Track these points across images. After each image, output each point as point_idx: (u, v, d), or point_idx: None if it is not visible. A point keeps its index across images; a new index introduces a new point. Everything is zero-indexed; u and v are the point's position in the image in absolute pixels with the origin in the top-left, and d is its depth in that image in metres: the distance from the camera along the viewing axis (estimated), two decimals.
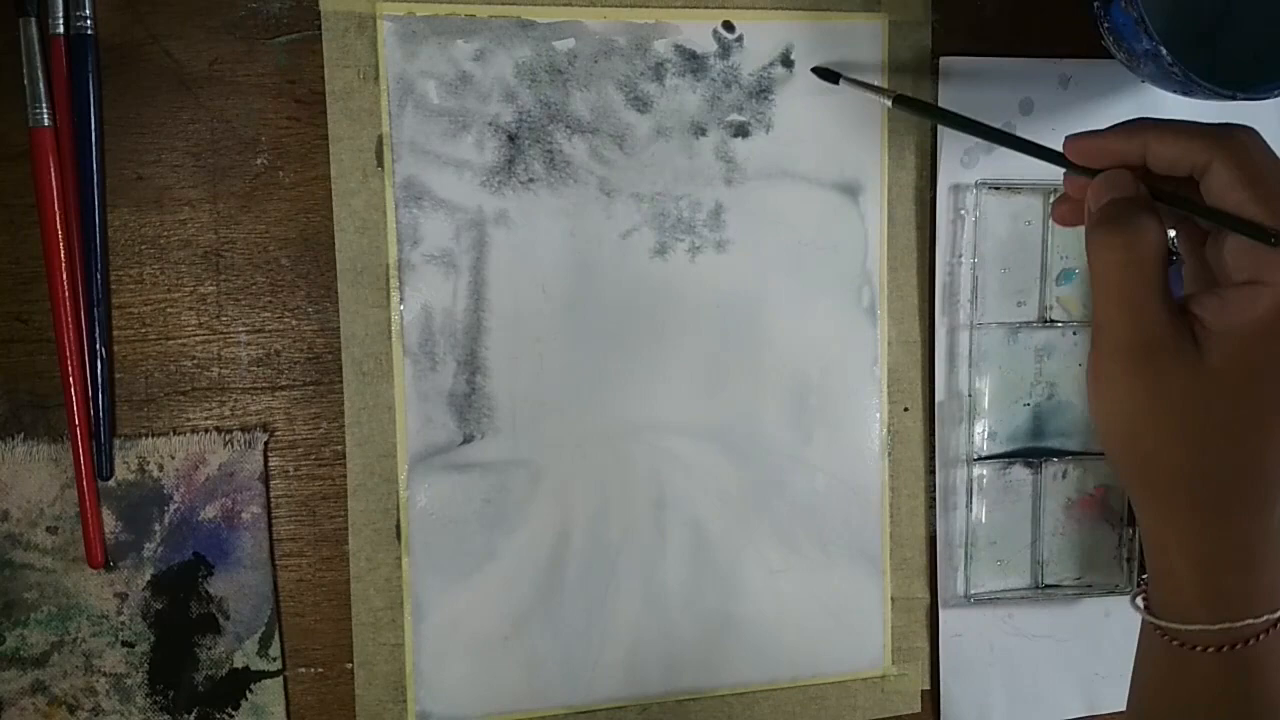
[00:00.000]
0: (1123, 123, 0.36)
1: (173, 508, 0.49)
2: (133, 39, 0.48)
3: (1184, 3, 0.55)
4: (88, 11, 0.46)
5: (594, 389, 0.53)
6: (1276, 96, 0.49)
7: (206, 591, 0.50)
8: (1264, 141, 0.34)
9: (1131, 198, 0.34)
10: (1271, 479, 0.32)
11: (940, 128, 0.56)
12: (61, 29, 0.46)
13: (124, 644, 0.49)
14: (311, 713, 0.52)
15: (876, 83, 0.54)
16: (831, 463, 0.56)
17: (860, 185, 0.56)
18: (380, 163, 0.50)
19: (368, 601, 0.51)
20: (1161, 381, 0.32)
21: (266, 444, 0.50)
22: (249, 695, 0.51)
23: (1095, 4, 0.51)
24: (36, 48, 0.46)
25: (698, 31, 0.53)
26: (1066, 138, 0.37)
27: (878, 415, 0.57)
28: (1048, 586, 0.59)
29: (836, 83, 0.53)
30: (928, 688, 0.58)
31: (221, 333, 0.50)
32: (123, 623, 0.49)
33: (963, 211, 0.57)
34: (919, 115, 0.53)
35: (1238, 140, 0.33)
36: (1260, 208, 0.31)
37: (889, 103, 0.51)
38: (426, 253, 0.51)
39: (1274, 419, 0.32)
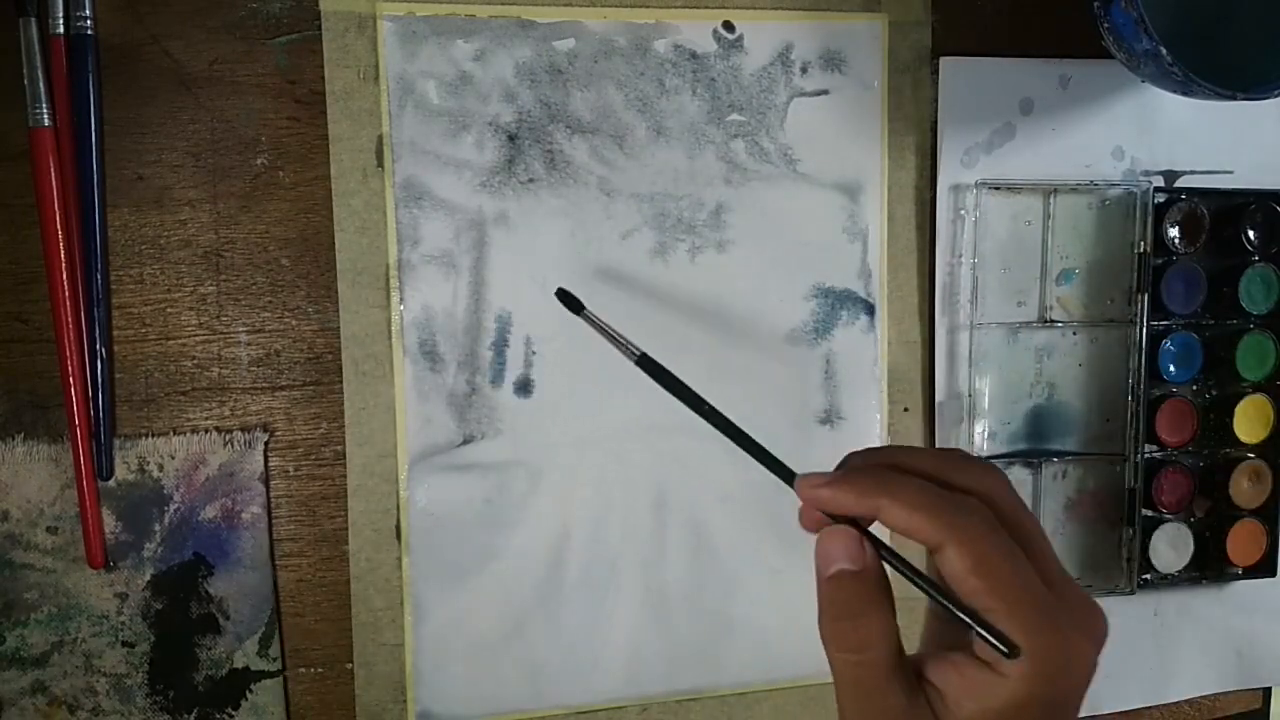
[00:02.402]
0: (856, 471, 0.34)
1: (173, 508, 0.49)
2: (133, 39, 0.48)
3: (1184, 3, 0.55)
4: (88, 11, 0.46)
5: (594, 389, 0.53)
6: (1276, 96, 0.49)
7: (206, 591, 0.50)
8: (1006, 508, 0.32)
9: (858, 574, 0.32)
10: None
11: (940, 127, 0.56)
12: (61, 29, 0.46)
13: (124, 644, 0.49)
14: (311, 713, 0.52)
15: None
16: (832, 463, 0.56)
17: (860, 185, 0.56)
18: (380, 163, 0.50)
19: (368, 601, 0.51)
20: None
21: (266, 444, 0.50)
22: (249, 695, 0.51)
23: (1095, 4, 0.51)
24: (36, 48, 0.46)
25: (698, 31, 0.53)
26: (801, 478, 0.35)
27: (878, 415, 0.57)
28: None
29: (579, 314, 0.47)
30: None
31: (221, 333, 0.50)
32: (123, 623, 0.49)
33: (963, 211, 0.57)
34: (657, 380, 0.44)
35: (968, 521, 0.31)
36: (993, 600, 0.30)
37: (633, 360, 0.44)
38: (426, 253, 0.51)
39: None
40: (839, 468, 0.36)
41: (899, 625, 0.33)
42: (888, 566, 0.33)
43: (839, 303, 0.56)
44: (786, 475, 0.36)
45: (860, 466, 0.34)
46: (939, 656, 0.33)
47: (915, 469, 0.33)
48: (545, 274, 0.52)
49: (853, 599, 0.32)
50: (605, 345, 0.53)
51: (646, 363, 0.43)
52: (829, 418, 0.56)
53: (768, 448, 0.37)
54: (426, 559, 0.52)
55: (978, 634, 0.31)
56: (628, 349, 0.44)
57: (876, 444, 0.57)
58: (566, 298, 0.47)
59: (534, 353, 0.53)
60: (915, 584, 0.32)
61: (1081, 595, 0.32)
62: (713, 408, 0.40)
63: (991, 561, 0.30)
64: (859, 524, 0.34)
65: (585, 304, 0.47)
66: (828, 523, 0.34)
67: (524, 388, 0.53)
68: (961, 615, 0.31)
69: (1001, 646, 0.30)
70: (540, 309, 0.52)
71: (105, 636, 0.49)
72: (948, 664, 0.32)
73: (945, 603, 0.32)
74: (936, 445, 0.57)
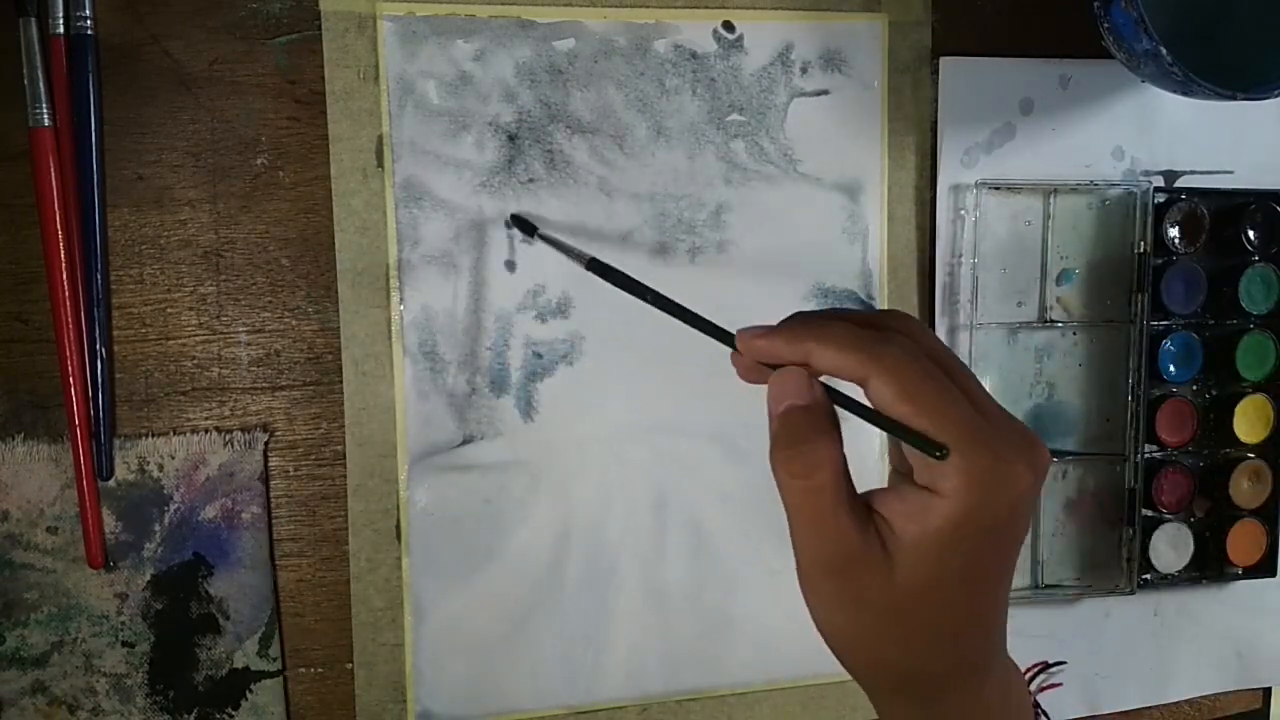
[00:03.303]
0: (788, 321, 0.36)
1: (173, 508, 0.49)
2: (133, 39, 0.48)
3: (1184, 3, 0.55)
4: (88, 11, 0.46)
5: (594, 389, 0.53)
6: (1276, 96, 0.49)
7: (206, 591, 0.50)
8: (923, 341, 0.34)
9: (806, 407, 0.35)
10: (974, 664, 0.35)
11: (940, 127, 0.56)
12: (61, 29, 0.46)
13: (124, 644, 0.49)
14: (311, 713, 0.52)
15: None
16: None
17: (860, 185, 0.56)
18: (380, 163, 0.50)
19: (368, 601, 0.51)
20: (860, 593, 0.33)
21: (266, 444, 0.50)
22: (249, 695, 0.51)
23: (1095, 4, 0.51)
24: (36, 48, 0.46)
25: (698, 31, 0.53)
26: (739, 331, 0.37)
27: None
28: (1048, 586, 0.59)
29: (532, 236, 0.51)
30: None
31: (221, 333, 0.50)
32: (123, 623, 0.49)
33: (963, 211, 0.57)
34: (609, 281, 0.46)
35: (891, 354, 0.33)
36: (921, 422, 0.32)
37: (582, 266, 0.47)
38: (426, 253, 0.51)
39: (964, 622, 0.34)
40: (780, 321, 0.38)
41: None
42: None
43: (839, 303, 0.56)
44: (726, 337, 0.38)
45: (792, 317, 0.36)
46: (884, 489, 0.35)
47: (842, 319, 0.35)
48: (545, 274, 0.52)
49: (802, 428, 0.34)
50: (605, 346, 0.53)
51: (596, 265, 0.46)
52: None
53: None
54: (426, 559, 0.52)
55: (907, 442, 0.32)
56: (579, 256, 0.47)
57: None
58: (520, 223, 0.50)
59: (534, 353, 0.53)
60: (854, 412, 0.34)
61: (1019, 426, 0.33)
62: (656, 293, 0.42)
63: (916, 386, 0.32)
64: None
65: (538, 228, 0.50)
66: (764, 373, 0.36)
67: (524, 388, 0.53)
68: (892, 429, 0.32)
69: (929, 449, 0.31)
70: (540, 309, 0.52)
71: (105, 636, 0.49)
72: (891, 493, 0.34)
73: (878, 421, 0.33)
74: None
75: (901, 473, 0.35)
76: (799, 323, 0.35)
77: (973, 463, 0.31)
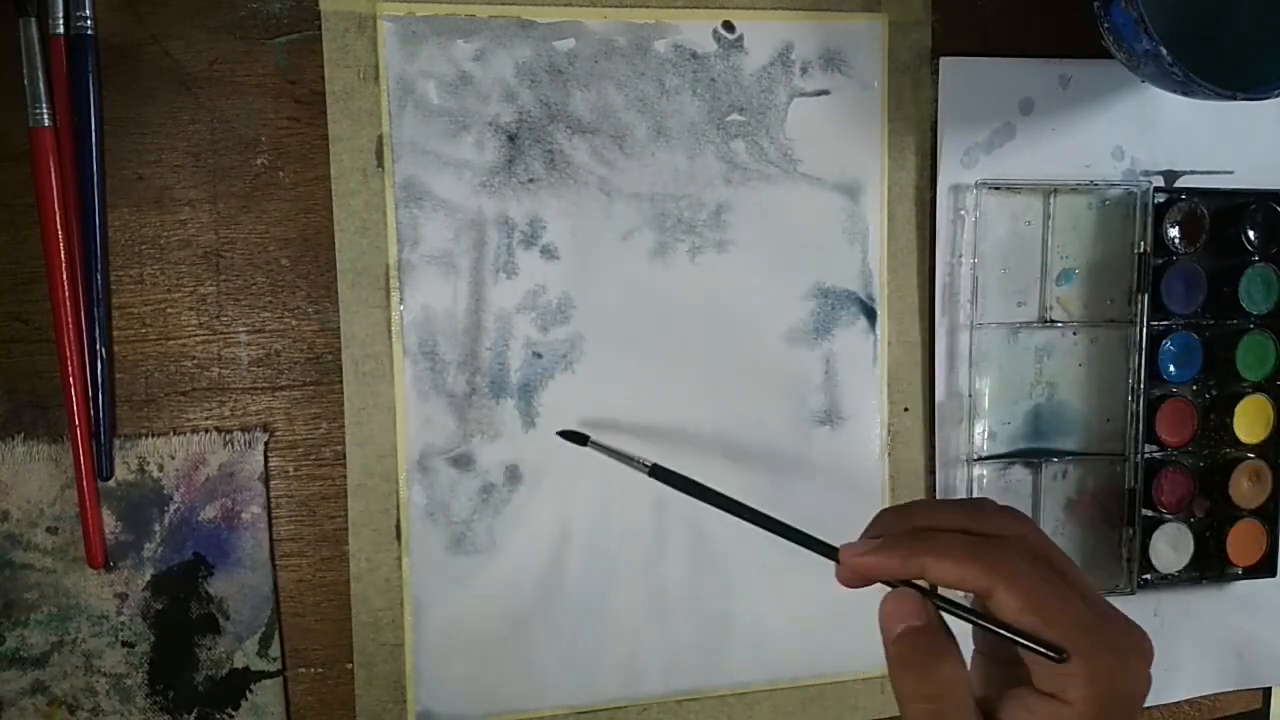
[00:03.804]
0: (900, 538, 0.36)
1: (173, 508, 0.49)
2: (133, 39, 0.48)
3: (1184, 3, 0.55)
4: (88, 11, 0.46)
5: (594, 389, 0.53)
6: (1276, 96, 0.49)
7: (206, 591, 0.50)
8: (1038, 548, 0.35)
9: (923, 628, 0.34)
10: None
11: (940, 127, 0.56)
12: (61, 29, 0.46)
13: (124, 644, 0.49)
14: (311, 713, 0.52)
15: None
16: (831, 463, 0.56)
17: (860, 185, 0.56)
18: (380, 163, 0.50)
19: (368, 601, 0.51)
20: None
21: (266, 444, 0.50)
22: (249, 695, 0.51)
23: (1095, 4, 0.51)
24: (36, 48, 0.46)
25: (698, 31, 0.53)
26: (844, 547, 0.37)
27: (878, 416, 0.57)
28: None
29: (584, 445, 0.51)
30: None
31: (221, 333, 0.50)
32: (123, 623, 0.49)
33: (963, 211, 0.57)
34: (673, 486, 0.47)
35: (1010, 563, 0.33)
36: (1048, 633, 0.32)
37: (645, 473, 0.47)
38: (426, 253, 0.51)
39: None
40: (870, 526, 0.38)
41: None
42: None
43: (839, 303, 0.56)
44: (829, 551, 0.38)
45: (896, 531, 0.36)
46: (1006, 696, 0.34)
47: (947, 525, 0.35)
48: (545, 275, 0.52)
49: (922, 651, 0.34)
50: (606, 346, 0.53)
51: (659, 472, 0.46)
52: (829, 418, 0.56)
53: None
54: (426, 559, 0.52)
55: (1032, 650, 0.32)
56: (639, 464, 0.47)
57: (876, 444, 0.57)
58: (571, 435, 0.51)
59: (534, 353, 0.53)
60: (973, 622, 0.34)
61: (1124, 617, 0.34)
62: (738, 502, 0.43)
63: (1040, 596, 0.32)
64: (909, 582, 0.36)
65: (590, 435, 0.51)
66: (864, 580, 0.36)
67: (524, 388, 0.53)
68: (1016, 638, 0.33)
69: (1051, 654, 0.32)
70: (540, 309, 0.52)
71: (105, 636, 0.49)
72: (1014, 700, 0.34)
73: (1003, 631, 0.33)
74: (936, 446, 0.57)
75: (985, 655, 0.36)
76: (908, 539, 0.35)
77: (1096, 667, 0.31)
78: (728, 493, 0.42)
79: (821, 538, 0.38)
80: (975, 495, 0.58)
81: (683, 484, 0.45)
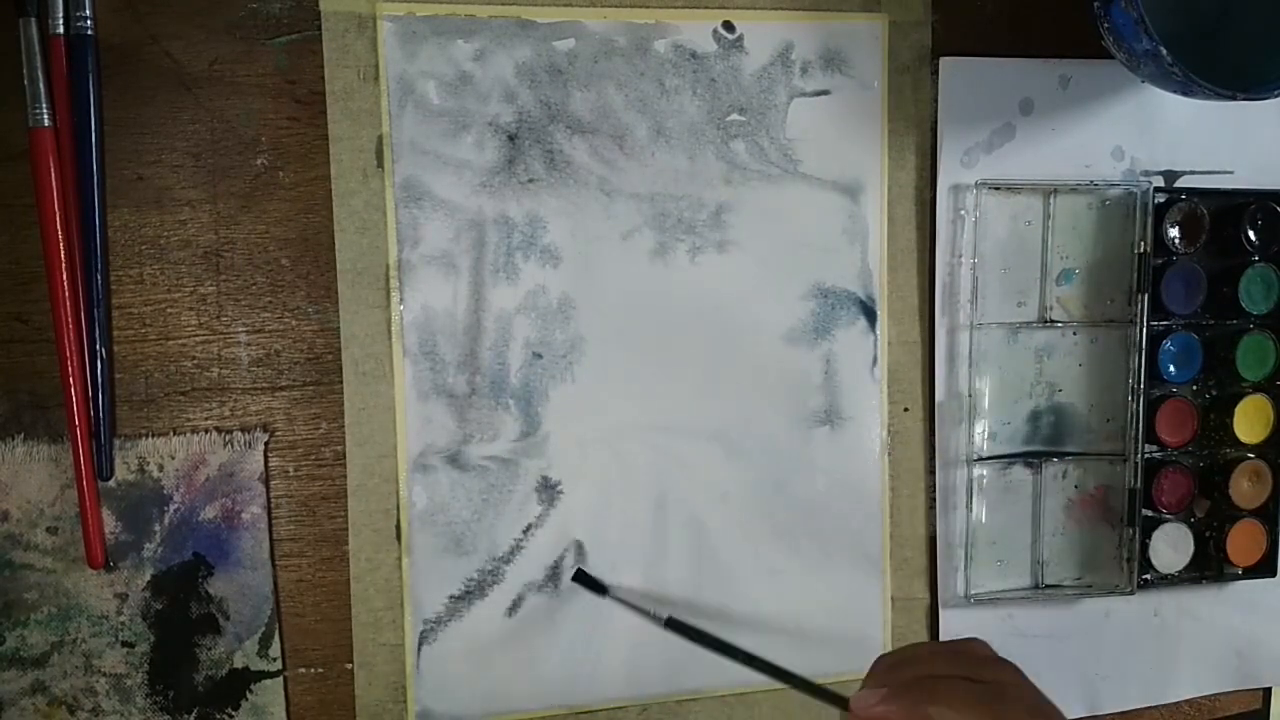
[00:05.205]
0: (906, 687, 0.39)
1: (173, 508, 0.49)
2: (133, 39, 0.48)
3: (1184, 3, 0.55)
4: (88, 11, 0.46)
5: (594, 389, 0.53)
6: (1276, 96, 0.49)
7: (206, 591, 0.50)
8: (1031, 697, 0.38)
9: None
10: None
11: (940, 127, 0.56)
12: (61, 29, 0.46)
13: (124, 644, 0.49)
14: (311, 713, 0.52)
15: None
16: (831, 463, 0.56)
17: (860, 185, 0.56)
18: (380, 163, 0.50)
19: (368, 601, 0.51)
20: None
21: (266, 444, 0.50)
22: (249, 695, 0.51)
23: (1095, 4, 0.51)
24: (36, 48, 0.46)
25: (698, 32, 0.53)
26: (854, 697, 0.40)
27: (878, 415, 0.57)
28: (1048, 586, 0.59)
29: (604, 595, 0.53)
30: None
31: (221, 333, 0.50)
32: (123, 623, 0.49)
33: (963, 211, 0.57)
34: (687, 638, 0.51)
35: (1016, 715, 0.36)
36: None
37: (660, 625, 0.51)
38: (426, 253, 0.51)
39: None
40: (871, 675, 0.41)
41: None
42: None
43: (838, 303, 0.56)
44: (838, 701, 0.41)
45: (900, 679, 0.39)
46: None
47: (947, 673, 0.39)
48: (545, 275, 0.52)
49: None
50: (606, 346, 0.53)
51: (675, 624, 0.50)
52: (829, 418, 0.56)
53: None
54: (426, 559, 0.52)
55: None
56: (655, 617, 0.51)
57: (876, 444, 0.57)
58: (590, 582, 0.53)
59: (534, 354, 0.53)
60: None
61: None
62: (749, 654, 0.46)
63: None
64: None
65: (609, 587, 0.53)
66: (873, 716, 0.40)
67: (523, 388, 0.53)
68: None
69: None
70: (540, 309, 0.52)
71: (105, 636, 0.49)
72: None
73: None
74: (936, 445, 0.57)
75: None
76: (914, 688, 0.38)
77: None
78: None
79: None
80: (976, 497, 0.58)
81: (697, 636, 0.48)
